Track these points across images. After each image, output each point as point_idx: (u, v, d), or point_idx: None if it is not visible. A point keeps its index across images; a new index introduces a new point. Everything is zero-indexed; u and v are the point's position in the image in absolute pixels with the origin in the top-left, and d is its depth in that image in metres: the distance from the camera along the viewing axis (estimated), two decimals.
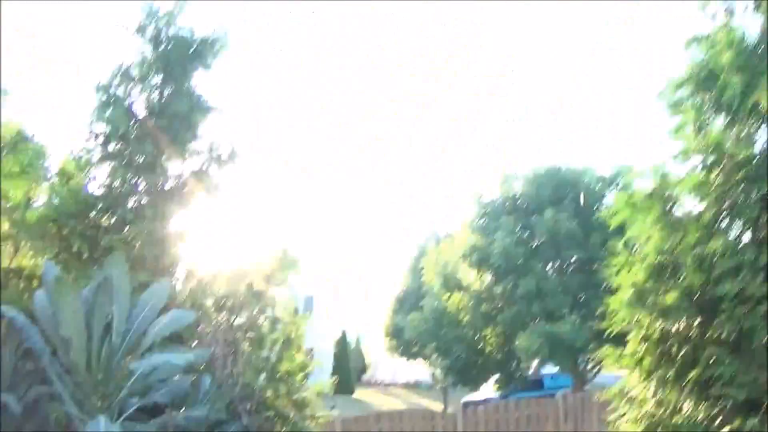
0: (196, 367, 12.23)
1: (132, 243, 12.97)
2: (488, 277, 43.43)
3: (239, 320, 14.14)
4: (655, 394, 10.99)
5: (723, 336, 10.20)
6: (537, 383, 51.59)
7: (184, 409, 11.52)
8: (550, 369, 50.10)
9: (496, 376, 51.75)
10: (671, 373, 10.64)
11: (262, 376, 13.86)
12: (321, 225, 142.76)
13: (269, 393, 13.79)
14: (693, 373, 10.22)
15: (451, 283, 46.25)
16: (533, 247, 42.60)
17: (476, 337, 46.91)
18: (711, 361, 10.12)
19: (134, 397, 10.99)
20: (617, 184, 39.30)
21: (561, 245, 40.04)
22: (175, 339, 12.09)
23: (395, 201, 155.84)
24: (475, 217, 45.39)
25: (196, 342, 13.02)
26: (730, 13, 11.41)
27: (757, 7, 11.17)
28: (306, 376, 14.83)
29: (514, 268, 41.28)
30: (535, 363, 50.02)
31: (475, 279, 44.16)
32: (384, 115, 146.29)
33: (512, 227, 42.46)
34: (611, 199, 40.95)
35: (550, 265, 43.00)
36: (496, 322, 44.20)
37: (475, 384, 53.86)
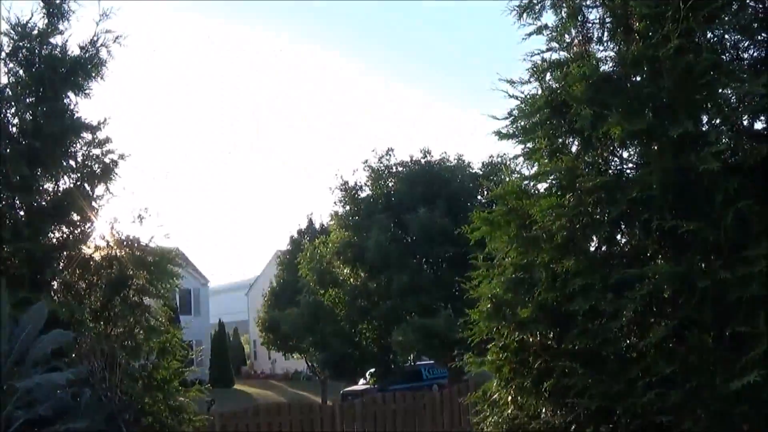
0: (78, 381, 12.44)
1: (10, 262, 13.08)
2: (363, 273, 43.84)
3: (116, 331, 14.37)
4: (514, 399, 11.58)
5: (576, 348, 10.85)
6: (415, 374, 52.23)
7: (65, 422, 11.75)
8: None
9: (373, 369, 52.34)
10: (528, 381, 11.23)
11: (139, 384, 14.16)
12: (200, 218, 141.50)
13: (147, 400, 14.09)
14: (548, 383, 10.81)
15: (327, 279, 46.58)
16: (407, 243, 43.22)
17: (353, 331, 47.33)
18: (565, 372, 10.71)
19: (20, 410, 11.22)
20: (491, 179, 40.02)
21: (434, 241, 40.69)
22: (57, 354, 12.29)
23: (267, 192, 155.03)
24: (349, 213, 45.79)
25: (74, 354, 13.19)
26: (586, 41, 12.02)
27: (612, 37, 11.80)
28: (182, 383, 15.11)
29: (389, 264, 41.81)
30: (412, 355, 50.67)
31: (350, 275, 44.53)
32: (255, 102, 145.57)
33: (386, 224, 42.98)
34: (482, 195, 42.26)
35: (424, 260, 43.65)
36: (372, 317, 44.69)
37: (352, 376, 54.35)
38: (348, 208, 46.34)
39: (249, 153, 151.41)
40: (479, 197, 42.52)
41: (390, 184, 45.46)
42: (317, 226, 67.63)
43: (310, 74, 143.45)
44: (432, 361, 48.68)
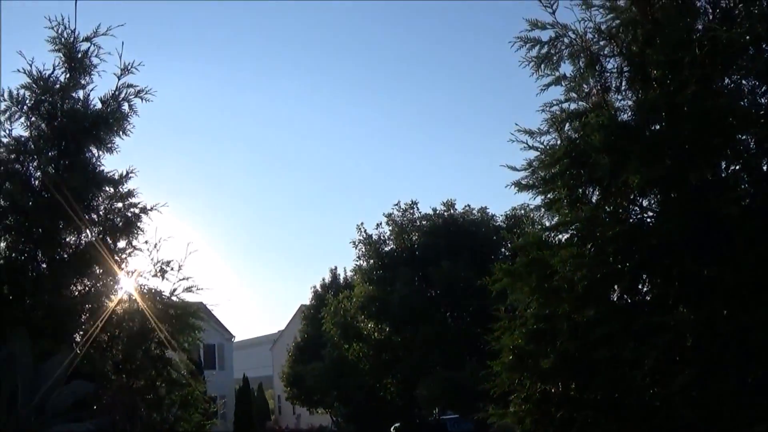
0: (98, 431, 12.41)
1: (33, 314, 13.10)
2: (387, 327, 43.65)
3: (138, 383, 14.33)
4: None
5: (599, 398, 10.77)
6: (440, 428, 51.79)
7: None
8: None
9: (398, 423, 51.97)
10: None
11: None
12: (226, 273, 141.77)
13: None
14: None
15: (351, 333, 46.39)
16: (431, 296, 43.08)
17: (377, 385, 47.05)
18: (588, 422, 10.63)
19: None
20: (514, 231, 39.84)
21: (459, 294, 40.54)
22: (78, 404, 12.27)
23: (292, 247, 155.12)
24: (372, 267, 45.70)
25: (96, 407, 13.16)
26: (605, 90, 12.06)
27: (630, 86, 11.83)
28: None
29: (414, 317, 41.64)
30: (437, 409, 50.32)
31: (374, 329, 44.35)
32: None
33: (410, 277, 42.87)
34: (506, 248, 42.18)
35: (448, 314, 43.46)
36: (397, 371, 44.44)
37: (376, 430, 54.00)
38: (372, 261, 46.23)
39: (272, 206, 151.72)
40: (503, 249, 42.43)
41: (414, 238, 45.46)
42: (341, 280, 67.50)
43: (336, 127, 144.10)
44: (457, 415, 48.31)
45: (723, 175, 10.50)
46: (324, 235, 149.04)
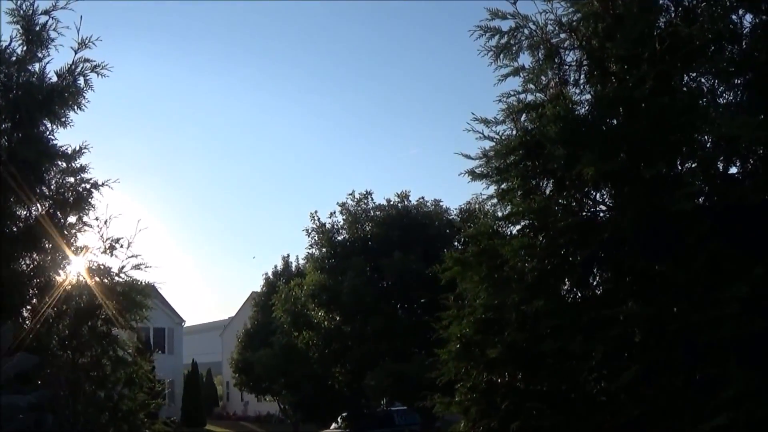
0: (41, 406, 12.30)
1: None
2: (338, 316, 43.59)
3: (83, 360, 14.20)
4: None
5: (545, 390, 10.79)
6: (387, 419, 51.84)
7: None
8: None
9: (345, 413, 51.99)
10: (496, 423, 11.14)
11: (105, 415, 13.99)
12: (177, 257, 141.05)
13: (112, 431, 13.92)
14: (516, 424, 10.73)
15: (301, 321, 46.26)
16: (383, 287, 43.05)
17: (325, 375, 46.97)
18: (533, 413, 10.64)
19: None
20: (467, 224, 39.85)
21: (410, 286, 40.53)
22: (22, 379, 12.13)
23: (245, 233, 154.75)
24: (325, 256, 45.61)
25: (40, 381, 13.04)
26: (563, 83, 12.07)
27: (588, 80, 11.85)
28: (147, 415, 14.94)
29: (364, 308, 41.59)
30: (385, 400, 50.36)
31: (324, 318, 44.26)
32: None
33: (362, 267, 42.82)
34: (459, 241, 42.18)
35: (399, 305, 43.46)
36: (346, 360, 44.39)
37: (324, 420, 53.96)
38: (324, 250, 46.08)
39: (227, 191, 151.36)
40: (456, 243, 42.41)
41: (367, 228, 45.43)
42: (293, 268, 67.47)
43: (292, 114, 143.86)
44: (405, 407, 48.38)
45: (678, 171, 10.53)
46: (277, 222, 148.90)
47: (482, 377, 11.47)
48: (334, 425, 53.54)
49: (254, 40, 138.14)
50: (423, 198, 46.34)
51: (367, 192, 46.41)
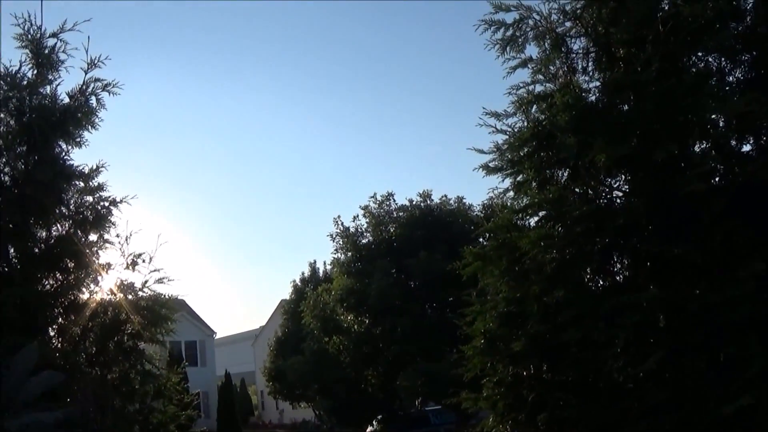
0: (71, 422, 12.37)
1: (3, 308, 13.03)
2: (367, 319, 43.60)
3: (111, 376, 14.30)
4: None
5: (569, 380, 10.77)
6: (423, 419, 51.73)
7: None
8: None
9: (380, 415, 51.93)
10: (523, 415, 11.14)
11: (135, 428, 14.09)
12: (206, 270, 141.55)
13: None
14: (542, 416, 10.72)
15: (330, 326, 46.30)
16: (409, 287, 43.03)
17: (358, 378, 46.97)
18: (559, 404, 10.62)
19: None
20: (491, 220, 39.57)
21: (436, 285, 40.44)
22: (50, 397, 12.22)
23: (272, 242, 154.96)
24: (350, 260, 45.62)
25: (69, 398, 13.13)
26: (571, 72, 12.04)
27: (597, 67, 11.82)
28: (179, 427, 15.03)
29: (392, 309, 41.59)
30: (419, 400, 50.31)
31: (353, 321, 44.29)
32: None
33: (388, 269, 42.82)
34: (483, 237, 42.05)
35: (427, 305, 43.41)
36: (377, 363, 44.39)
37: (359, 423, 53.93)
38: (349, 254, 46.05)
39: (249, 201, 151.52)
40: (480, 239, 42.19)
41: (391, 230, 45.45)
42: (320, 273, 67.45)
43: (310, 120, 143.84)
44: (439, 406, 48.27)
45: (690, 152, 10.49)
46: (303, 229, 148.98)
47: (508, 371, 11.47)
48: (369, 428, 53.48)
49: (268, 46, 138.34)
50: (446, 196, 46.31)
51: (389, 193, 46.40)
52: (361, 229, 46.75)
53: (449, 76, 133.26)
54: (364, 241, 46.38)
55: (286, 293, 74.15)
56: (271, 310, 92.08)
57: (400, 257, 43.08)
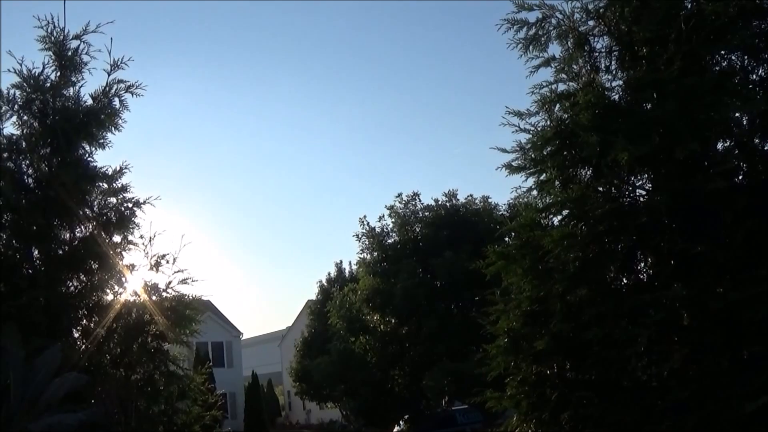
0: (96, 423, 12.42)
1: (28, 310, 13.08)
2: (393, 319, 43.64)
3: (135, 377, 14.34)
4: None
5: (593, 378, 10.74)
6: (449, 419, 51.65)
7: None
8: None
9: (407, 415, 51.90)
10: (547, 414, 11.11)
11: (160, 429, 14.13)
12: (232, 271, 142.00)
13: None
14: (566, 414, 10.69)
15: (356, 326, 46.37)
16: (435, 287, 43.02)
17: (384, 378, 47.01)
18: (583, 403, 10.59)
19: None
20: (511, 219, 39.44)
21: (462, 285, 40.41)
22: (74, 398, 12.27)
23: (298, 242, 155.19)
24: (376, 260, 45.66)
25: (93, 400, 13.18)
26: (594, 70, 12.00)
27: (620, 65, 11.77)
28: (204, 427, 15.06)
29: (418, 309, 41.63)
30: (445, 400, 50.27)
31: (379, 321, 44.33)
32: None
33: (414, 269, 42.83)
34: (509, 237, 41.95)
35: (453, 304, 43.37)
36: (403, 363, 44.42)
37: (386, 423, 53.93)
38: (375, 254, 46.24)
39: (275, 202, 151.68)
40: (506, 239, 41.93)
41: (416, 229, 45.59)
42: (346, 273, 67.59)
43: (335, 121, 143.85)
44: (466, 406, 48.18)
45: (713, 151, 10.44)
46: (329, 229, 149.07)
47: (531, 370, 11.46)
48: (396, 428, 53.47)
49: (293, 48, 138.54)
50: (471, 196, 46.36)
51: (414, 193, 46.50)
52: (386, 229, 46.85)
53: (474, 76, 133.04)
54: (389, 241, 46.46)
55: (312, 293, 74.29)
56: (298, 310, 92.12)
57: (426, 257, 43.12)
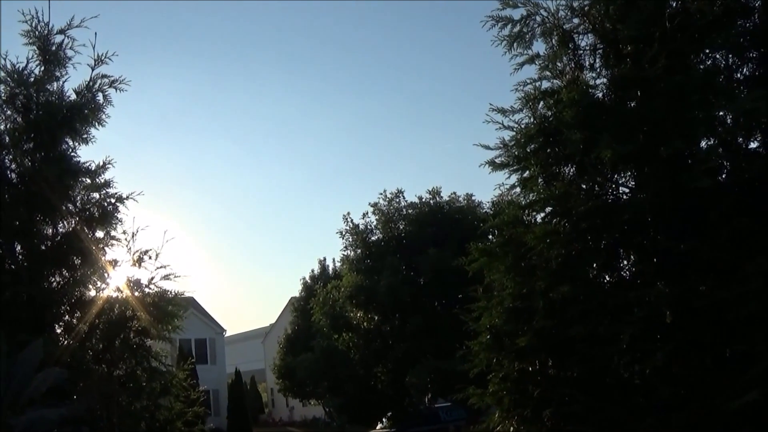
0: (78, 419, 12.38)
1: (10, 305, 13.04)
2: (376, 316, 43.63)
3: (117, 372, 14.31)
4: (517, 430, 11.47)
5: (576, 376, 10.76)
6: (432, 416, 51.71)
7: None
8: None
9: (390, 412, 51.90)
10: (529, 411, 11.13)
11: (142, 425, 14.10)
12: (215, 268, 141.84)
13: None
14: (548, 411, 10.71)
15: (340, 323, 46.35)
16: (419, 285, 43.00)
17: (367, 375, 46.99)
18: (565, 400, 10.61)
19: None
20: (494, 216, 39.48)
21: (446, 282, 40.40)
22: (56, 394, 12.24)
23: (282, 239, 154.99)
24: (360, 257, 45.63)
25: (75, 396, 13.14)
26: (578, 68, 12.01)
27: (604, 63, 11.79)
28: (186, 423, 15.03)
29: (402, 307, 41.63)
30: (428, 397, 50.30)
31: (363, 318, 44.32)
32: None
33: (398, 266, 42.81)
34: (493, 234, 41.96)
35: (436, 302, 43.36)
36: (387, 360, 44.39)
37: (369, 420, 53.94)
38: (359, 251, 46.17)
39: (258, 199, 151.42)
40: (490, 237, 41.91)
41: (400, 227, 45.51)
42: (330, 270, 67.62)
43: (319, 118, 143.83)
44: (449, 403, 48.25)
45: (697, 149, 10.45)
46: (312, 227, 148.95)
47: (513, 366, 11.47)
48: (380, 425, 53.49)
49: (277, 45, 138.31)
50: (455, 193, 46.31)
51: (398, 191, 46.41)
52: (370, 226, 46.73)
53: (458, 73, 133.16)
54: (373, 238, 46.34)
55: (296, 291, 74.27)
56: (281, 307, 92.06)
57: (410, 254, 43.09)
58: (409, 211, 45.69)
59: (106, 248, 14.70)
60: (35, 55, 14.65)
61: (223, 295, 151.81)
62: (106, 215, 14.60)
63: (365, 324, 44.37)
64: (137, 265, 14.70)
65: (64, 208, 14.17)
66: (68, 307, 14.27)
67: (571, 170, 11.61)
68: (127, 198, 14.77)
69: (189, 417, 15.08)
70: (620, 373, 10.35)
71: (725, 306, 9.03)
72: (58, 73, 14.76)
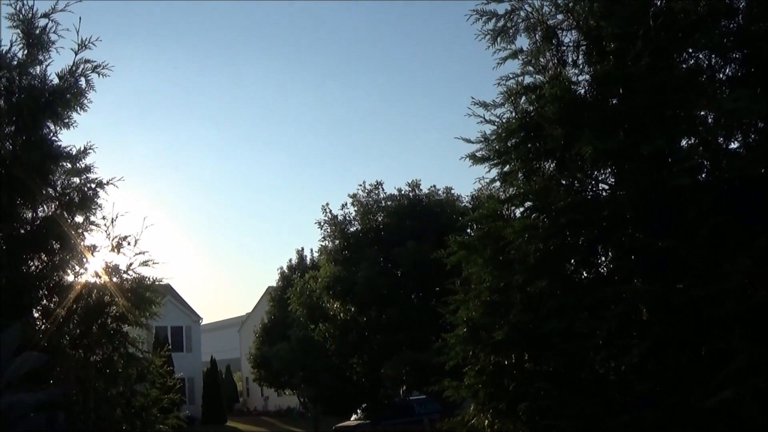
0: (53, 403, 12.37)
1: None
2: (353, 307, 43.68)
3: (94, 358, 14.29)
4: (491, 424, 11.52)
5: (552, 370, 10.82)
6: (407, 409, 51.82)
7: None
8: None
9: (365, 404, 51.99)
10: (504, 405, 11.18)
11: (118, 411, 14.10)
12: (193, 256, 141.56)
13: (125, 427, 14.01)
14: (524, 405, 10.76)
15: (317, 313, 46.42)
16: (397, 277, 43.08)
17: (343, 366, 47.06)
18: (541, 394, 10.66)
19: None
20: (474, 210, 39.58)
21: (424, 275, 40.49)
22: (34, 378, 12.22)
23: (259, 228, 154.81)
24: (338, 248, 45.67)
25: (51, 380, 13.13)
26: (561, 64, 12.06)
27: (587, 60, 11.84)
28: (162, 410, 15.03)
29: (379, 298, 41.69)
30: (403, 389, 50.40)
31: (340, 309, 44.38)
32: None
33: (376, 258, 42.87)
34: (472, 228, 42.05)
35: (414, 295, 43.44)
36: (363, 351, 44.46)
37: (344, 411, 54.02)
38: (337, 242, 46.29)
39: (238, 187, 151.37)
40: (468, 230, 42.06)
41: (379, 218, 45.80)
42: (308, 261, 67.77)
43: (300, 108, 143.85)
44: (424, 396, 48.40)
45: (678, 147, 10.51)
46: (290, 217, 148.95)
47: (489, 360, 11.52)
48: (354, 416, 53.58)
49: (259, 35, 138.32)
50: (434, 186, 46.43)
51: (378, 182, 46.52)
52: (349, 217, 46.83)
53: (441, 66, 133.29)
54: (352, 229, 46.45)
55: (273, 280, 74.38)
56: (258, 296, 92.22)
57: (388, 246, 43.18)
58: (388, 203, 45.78)
59: (85, 233, 14.67)
60: (18, 39, 14.58)
61: (200, 283, 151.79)
62: (85, 200, 14.56)
63: (342, 315, 44.46)
64: (116, 250, 14.67)
65: (44, 192, 14.14)
66: (46, 292, 14.24)
67: (552, 166, 11.65)
68: (108, 183, 14.73)
69: (165, 404, 15.08)
70: (596, 369, 10.38)
71: (702, 304, 9.08)
72: (41, 57, 14.68)
